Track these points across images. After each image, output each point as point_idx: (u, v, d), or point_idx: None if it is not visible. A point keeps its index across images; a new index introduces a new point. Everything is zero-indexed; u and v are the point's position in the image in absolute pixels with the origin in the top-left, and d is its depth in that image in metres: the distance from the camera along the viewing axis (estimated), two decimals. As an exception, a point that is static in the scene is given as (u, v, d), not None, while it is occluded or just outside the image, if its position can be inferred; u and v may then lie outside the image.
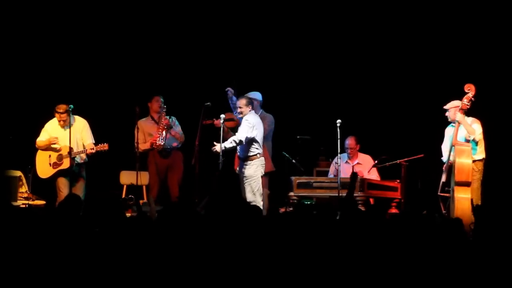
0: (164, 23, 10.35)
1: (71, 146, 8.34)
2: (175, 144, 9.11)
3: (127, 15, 10.26)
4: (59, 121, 8.47)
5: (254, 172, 8.19)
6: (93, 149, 8.42)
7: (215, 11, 10.31)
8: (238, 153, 8.37)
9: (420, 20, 9.86)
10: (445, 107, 8.20)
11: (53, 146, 8.50)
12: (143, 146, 9.05)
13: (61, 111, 8.42)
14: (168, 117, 9.05)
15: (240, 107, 8.28)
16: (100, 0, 10.23)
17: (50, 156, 8.51)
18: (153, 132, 9.04)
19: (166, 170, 9.12)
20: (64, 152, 8.41)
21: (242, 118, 8.27)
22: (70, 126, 8.46)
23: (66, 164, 8.39)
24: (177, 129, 9.13)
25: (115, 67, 10.31)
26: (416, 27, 9.89)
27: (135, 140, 8.90)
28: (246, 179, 8.16)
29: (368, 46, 10.16)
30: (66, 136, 8.38)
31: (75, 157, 8.42)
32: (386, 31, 10.06)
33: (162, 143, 8.96)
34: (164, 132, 8.94)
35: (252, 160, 8.21)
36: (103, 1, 10.23)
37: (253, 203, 7.46)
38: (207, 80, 10.22)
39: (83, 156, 8.49)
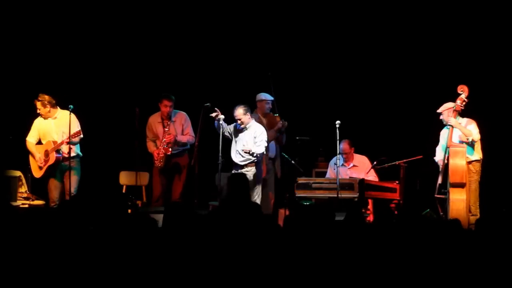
0: (164, 23, 10.36)
1: (56, 139, 8.36)
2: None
3: (127, 15, 10.27)
4: (38, 110, 8.41)
5: None
6: (68, 138, 8.17)
7: (215, 12, 10.33)
8: (270, 154, 8.47)
9: (417, 22, 9.88)
10: (438, 110, 8.17)
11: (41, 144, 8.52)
12: (149, 145, 8.85)
13: (40, 99, 8.43)
14: (173, 122, 8.73)
15: (239, 119, 8.24)
16: (100, 0, 10.27)
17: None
18: (159, 133, 8.76)
19: (170, 171, 8.79)
20: (49, 147, 8.39)
21: (244, 127, 8.27)
22: (54, 118, 8.47)
23: (52, 159, 8.38)
24: (187, 129, 8.79)
25: (115, 67, 10.31)
26: (413, 29, 9.91)
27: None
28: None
29: (366, 48, 10.18)
30: (53, 129, 8.36)
31: (59, 149, 8.36)
32: (384, 34, 10.08)
33: (162, 163, 8.72)
34: (164, 150, 8.66)
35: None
36: (103, 1, 10.25)
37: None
38: (206, 81, 10.25)
39: (67, 148, 8.26)
